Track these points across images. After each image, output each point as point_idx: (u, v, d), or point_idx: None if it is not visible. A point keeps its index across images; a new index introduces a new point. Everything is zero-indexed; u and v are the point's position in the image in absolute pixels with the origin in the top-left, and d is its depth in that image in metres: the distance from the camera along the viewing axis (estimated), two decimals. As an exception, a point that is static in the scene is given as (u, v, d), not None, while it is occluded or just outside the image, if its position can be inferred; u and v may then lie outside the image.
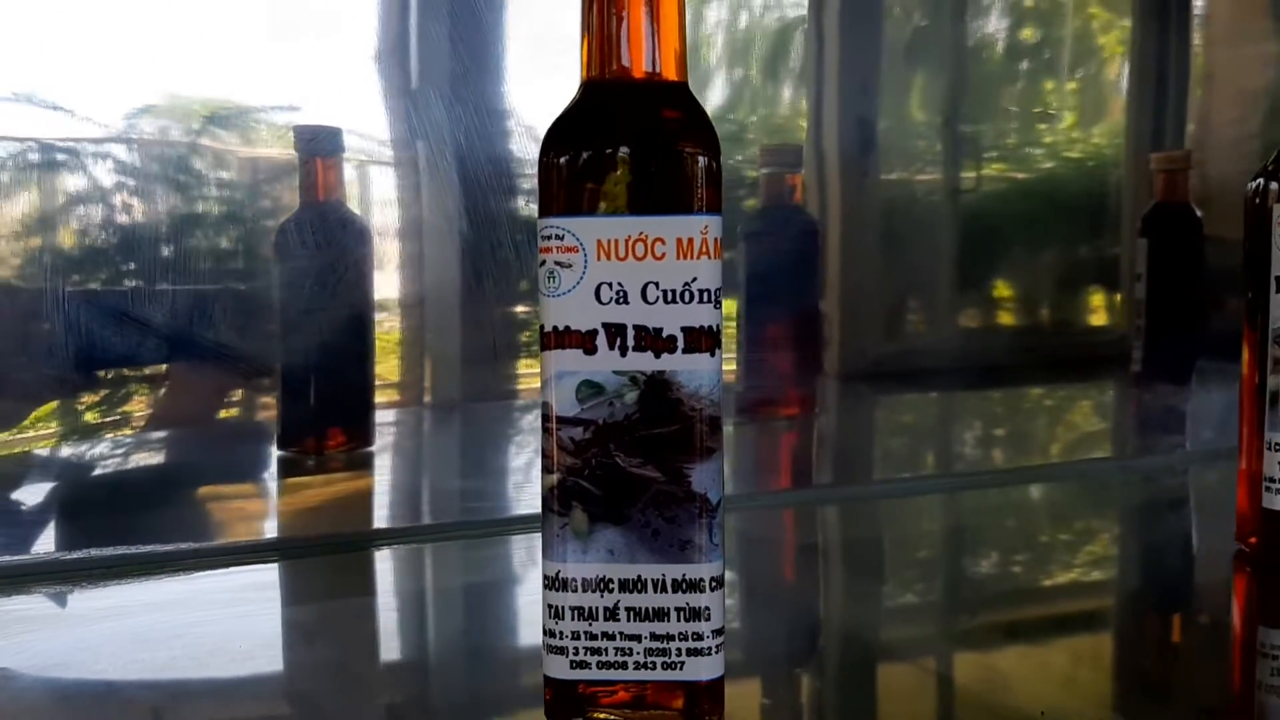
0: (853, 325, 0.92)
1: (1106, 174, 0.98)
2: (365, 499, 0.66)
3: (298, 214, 0.67)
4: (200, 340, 0.64)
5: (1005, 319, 0.96)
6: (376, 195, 0.70)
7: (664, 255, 0.34)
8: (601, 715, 0.35)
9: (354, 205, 0.69)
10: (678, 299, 0.34)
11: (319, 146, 0.68)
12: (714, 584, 0.34)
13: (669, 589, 0.34)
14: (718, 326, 0.34)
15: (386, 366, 0.71)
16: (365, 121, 0.69)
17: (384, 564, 0.57)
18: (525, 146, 0.71)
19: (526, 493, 0.66)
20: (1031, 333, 0.95)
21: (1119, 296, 0.96)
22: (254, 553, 0.57)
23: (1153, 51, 0.98)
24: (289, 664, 0.45)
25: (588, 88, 0.35)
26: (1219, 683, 0.44)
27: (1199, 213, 0.87)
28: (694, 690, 0.35)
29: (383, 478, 0.69)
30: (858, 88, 0.91)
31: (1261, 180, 0.51)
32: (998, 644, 0.48)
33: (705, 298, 0.34)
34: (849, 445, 0.85)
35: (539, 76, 0.72)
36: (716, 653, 0.35)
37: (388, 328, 0.70)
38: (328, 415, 0.69)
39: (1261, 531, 0.51)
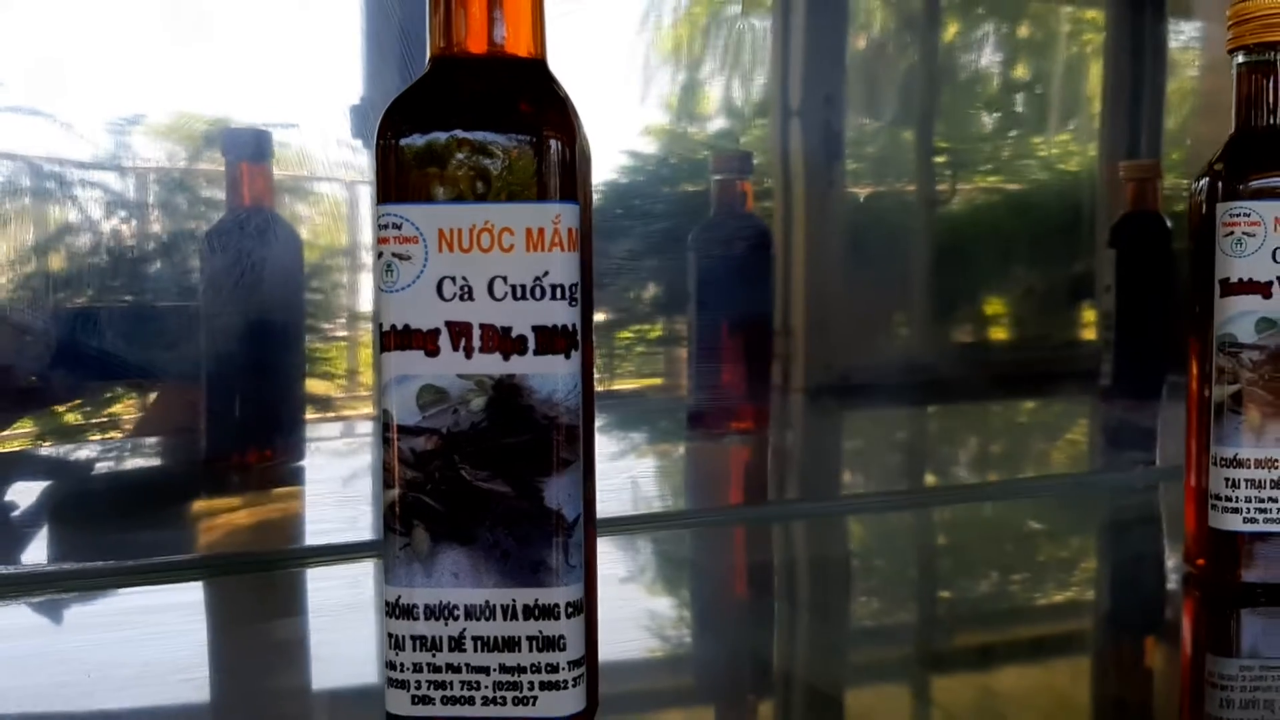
0: (818, 338, 0.89)
1: (1080, 184, 0.95)
2: (293, 516, 0.63)
3: (222, 221, 0.65)
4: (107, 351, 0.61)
5: (977, 333, 0.93)
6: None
7: (512, 247, 0.30)
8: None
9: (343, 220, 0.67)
10: (528, 295, 0.31)
11: (244, 151, 0.65)
12: (570, 610, 0.31)
13: (520, 616, 0.31)
14: (574, 326, 0.31)
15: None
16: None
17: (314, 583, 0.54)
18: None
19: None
20: (1003, 347, 0.92)
21: (1094, 310, 0.92)
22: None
23: (1127, 59, 0.95)
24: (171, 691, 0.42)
25: (435, 64, 0.32)
26: (1164, 716, 0.41)
27: (1169, 223, 0.84)
28: (555, 728, 0.31)
29: (314, 490, 0.66)
30: (822, 98, 0.88)
31: (1206, 180, 0.47)
32: (926, 671, 0.45)
33: (559, 294, 0.31)
34: (809, 460, 0.82)
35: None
36: (575, 686, 0.31)
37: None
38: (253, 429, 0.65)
39: (1208, 552, 0.48)
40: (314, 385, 0.69)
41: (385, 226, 0.31)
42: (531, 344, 0.31)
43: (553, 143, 0.31)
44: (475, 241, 0.30)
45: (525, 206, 0.30)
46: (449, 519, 0.31)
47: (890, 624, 0.50)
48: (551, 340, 0.31)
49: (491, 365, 0.31)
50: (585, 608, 0.32)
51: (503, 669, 0.31)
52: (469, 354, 0.31)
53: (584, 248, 0.32)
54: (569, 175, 0.31)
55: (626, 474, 0.74)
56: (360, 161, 0.72)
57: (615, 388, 0.78)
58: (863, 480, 0.82)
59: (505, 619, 0.31)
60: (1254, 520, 0.46)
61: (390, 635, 0.31)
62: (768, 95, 0.83)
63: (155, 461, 0.62)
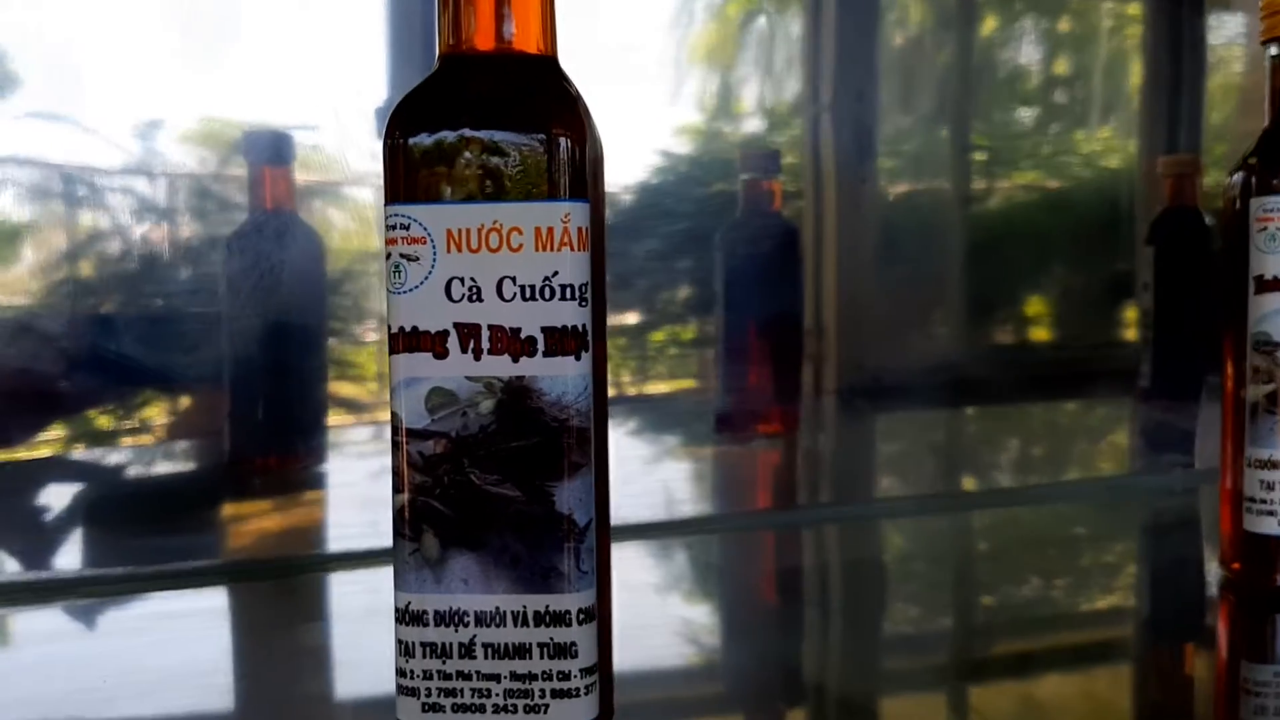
0: (850, 338, 0.88)
1: (1119, 180, 0.94)
2: (315, 521, 0.63)
3: (242, 225, 0.65)
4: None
5: (1011, 332, 0.92)
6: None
7: (521, 247, 0.30)
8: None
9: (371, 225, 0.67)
10: (537, 296, 0.30)
11: (265, 155, 0.65)
12: (582, 616, 0.31)
13: (530, 622, 0.30)
14: (584, 326, 0.30)
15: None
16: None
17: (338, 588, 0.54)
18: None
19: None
20: (1039, 347, 0.91)
21: (1132, 309, 0.91)
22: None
23: (1167, 53, 0.94)
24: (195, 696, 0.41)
25: (444, 62, 0.32)
26: None
27: (1209, 219, 0.82)
28: (568, 736, 0.31)
29: (338, 494, 0.66)
30: (854, 94, 0.87)
31: (1240, 174, 0.46)
32: (958, 677, 0.44)
33: (569, 294, 0.30)
34: (840, 463, 0.81)
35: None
36: (587, 694, 0.31)
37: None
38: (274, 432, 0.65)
39: (1244, 556, 0.46)
40: (344, 388, 0.69)
41: (393, 227, 0.30)
42: (541, 345, 0.30)
43: (562, 141, 0.30)
44: (484, 241, 0.30)
45: (534, 205, 0.30)
46: (458, 524, 0.30)
47: (921, 630, 0.49)
48: (561, 341, 0.30)
49: (500, 367, 0.30)
50: (598, 614, 0.31)
51: (514, 676, 0.31)
52: (478, 356, 0.30)
53: (596, 247, 0.32)
54: (579, 174, 0.30)
55: (658, 478, 0.74)
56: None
57: (648, 391, 0.78)
58: (895, 483, 0.82)
59: (516, 625, 0.30)
60: (1292, 523, 0.45)
61: (400, 642, 0.31)
62: (799, 93, 0.82)
63: (179, 466, 0.62)
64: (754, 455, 0.77)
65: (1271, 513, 0.45)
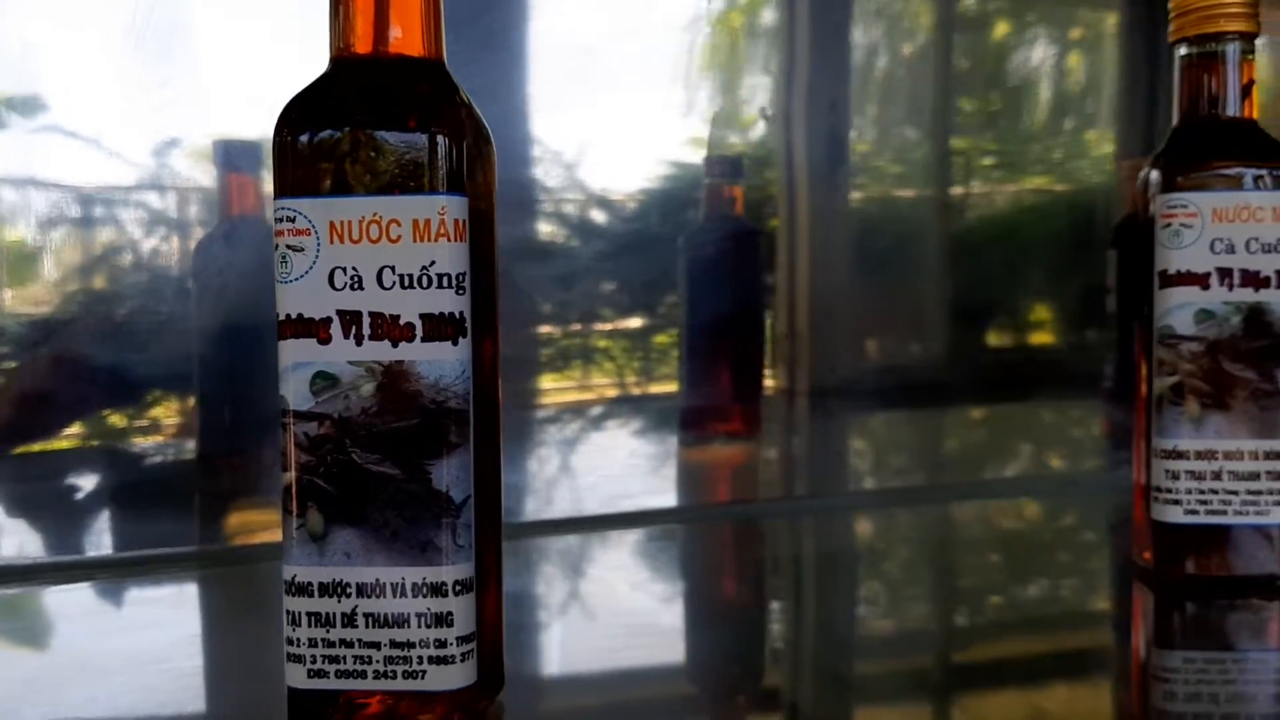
0: (823, 341, 0.90)
1: (1093, 185, 0.95)
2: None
3: (211, 231, 0.67)
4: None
5: (984, 335, 0.93)
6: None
7: (400, 238, 0.32)
8: (354, 730, 0.33)
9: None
10: (415, 284, 0.32)
11: (233, 163, 0.67)
12: (459, 588, 0.32)
13: (409, 593, 0.32)
14: (461, 314, 0.32)
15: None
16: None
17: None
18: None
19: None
20: (1012, 350, 0.92)
21: (1100, 311, 0.92)
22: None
23: (1142, 60, 0.95)
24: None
25: (333, 64, 0.33)
26: (1108, 709, 0.41)
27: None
28: (449, 702, 0.33)
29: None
30: (827, 103, 0.89)
31: (1150, 172, 0.47)
32: (863, 656, 0.45)
33: (446, 282, 0.32)
34: (812, 462, 0.83)
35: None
36: (463, 661, 0.32)
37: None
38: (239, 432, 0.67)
39: (1154, 545, 0.48)
40: None
41: (280, 220, 0.32)
42: (419, 331, 0.32)
43: (440, 139, 0.32)
44: (365, 233, 0.32)
45: (411, 199, 0.32)
46: (341, 501, 0.32)
47: (845, 619, 0.50)
48: (439, 327, 0.32)
49: (381, 352, 0.32)
50: (477, 586, 0.33)
51: (393, 644, 0.32)
52: (359, 341, 0.32)
53: (482, 240, 0.34)
54: (456, 169, 0.32)
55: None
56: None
57: (652, 391, 0.80)
58: (861, 479, 0.83)
59: (395, 596, 0.32)
60: (1195, 512, 0.46)
61: (288, 612, 0.33)
62: (774, 102, 0.84)
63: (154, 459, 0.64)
64: (716, 452, 0.79)
65: (1177, 501, 0.46)
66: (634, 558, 0.61)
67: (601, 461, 0.76)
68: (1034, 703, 0.41)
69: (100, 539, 0.59)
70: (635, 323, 0.80)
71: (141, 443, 0.62)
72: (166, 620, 0.51)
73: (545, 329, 0.82)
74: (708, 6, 0.80)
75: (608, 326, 0.84)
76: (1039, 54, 0.93)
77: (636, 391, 0.79)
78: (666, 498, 0.76)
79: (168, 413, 0.63)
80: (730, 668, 0.44)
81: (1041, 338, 0.93)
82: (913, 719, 0.40)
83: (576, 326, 0.78)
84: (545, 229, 0.76)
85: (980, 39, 0.93)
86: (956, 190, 0.96)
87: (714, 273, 0.78)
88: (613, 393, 0.81)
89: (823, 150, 0.90)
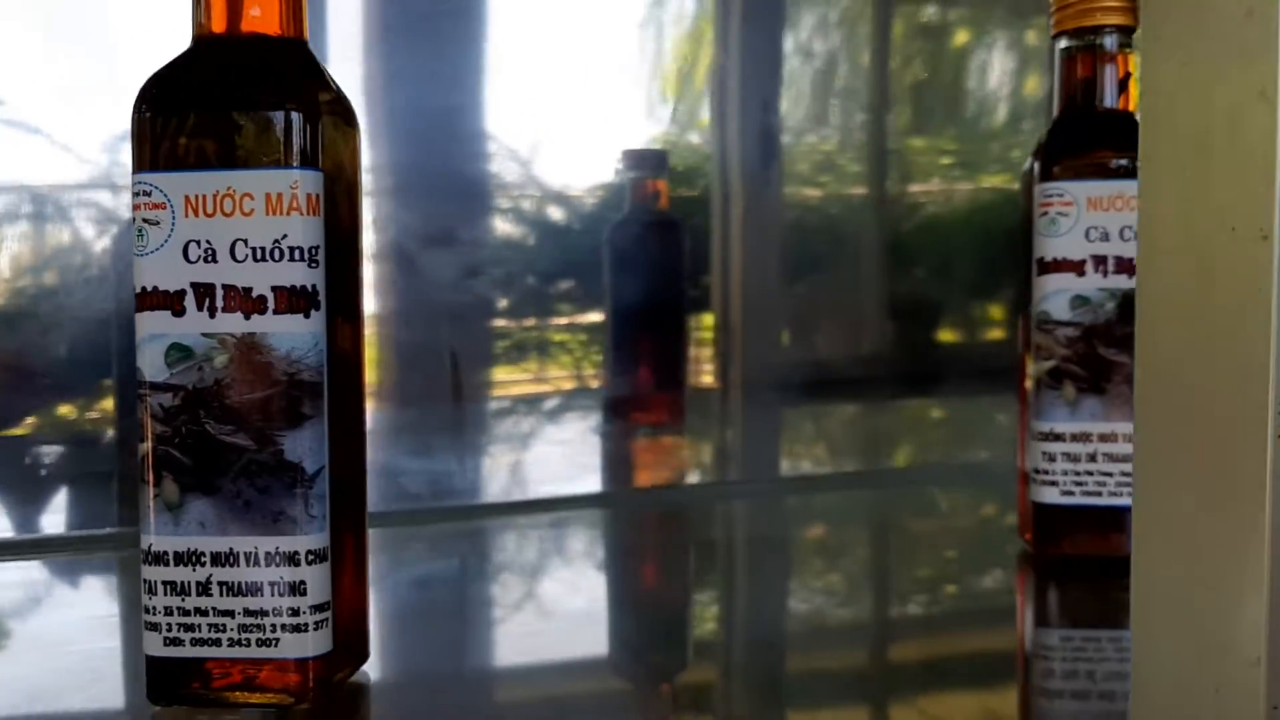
0: (756, 335, 0.91)
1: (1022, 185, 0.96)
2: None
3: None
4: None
5: (915, 331, 0.94)
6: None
7: (253, 211, 0.32)
8: (212, 698, 0.33)
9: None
10: (268, 257, 0.32)
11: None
12: (312, 557, 0.33)
13: (262, 562, 0.33)
14: (314, 287, 0.33)
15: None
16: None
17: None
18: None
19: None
20: (942, 345, 0.93)
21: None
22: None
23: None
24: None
25: (193, 43, 0.34)
26: (986, 688, 0.42)
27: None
28: (307, 671, 0.33)
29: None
30: (760, 104, 0.90)
31: (1031, 162, 0.49)
32: (751, 638, 0.46)
33: (298, 255, 0.32)
34: (741, 451, 0.84)
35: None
36: (317, 629, 0.33)
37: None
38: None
39: (1033, 526, 0.49)
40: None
41: (137, 194, 0.33)
42: (271, 303, 0.32)
43: (293, 115, 0.32)
44: (218, 206, 0.32)
45: (264, 173, 0.32)
46: (195, 471, 0.33)
47: (717, 602, 0.51)
48: (291, 300, 0.32)
49: (233, 324, 0.32)
50: (332, 557, 0.33)
51: (247, 612, 0.33)
52: (213, 313, 0.32)
53: (342, 214, 0.34)
54: (310, 145, 0.33)
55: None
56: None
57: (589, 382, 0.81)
58: (785, 469, 0.83)
59: (248, 565, 0.33)
60: (1070, 493, 0.47)
61: (145, 581, 0.33)
62: (707, 100, 0.85)
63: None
64: (641, 442, 0.80)
65: (1054, 483, 0.47)
66: (553, 543, 0.62)
67: (536, 450, 0.77)
68: (913, 680, 0.42)
69: (20, 520, 0.60)
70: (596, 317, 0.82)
71: (63, 426, 0.63)
72: (80, 601, 0.51)
73: (500, 323, 0.84)
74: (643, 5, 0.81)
75: (563, 320, 0.86)
76: (972, 53, 0.94)
77: (570, 385, 0.80)
78: (591, 484, 0.77)
79: (89, 397, 0.63)
80: (639, 641, 0.45)
81: (970, 333, 0.94)
82: (788, 699, 0.40)
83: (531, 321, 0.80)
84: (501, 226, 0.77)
85: (918, 38, 0.94)
86: (892, 188, 0.97)
87: (637, 265, 0.79)
88: (570, 385, 0.83)
89: (756, 148, 0.91)
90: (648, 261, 0.79)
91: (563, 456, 0.78)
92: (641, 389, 0.78)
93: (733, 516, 0.69)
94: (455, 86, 0.77)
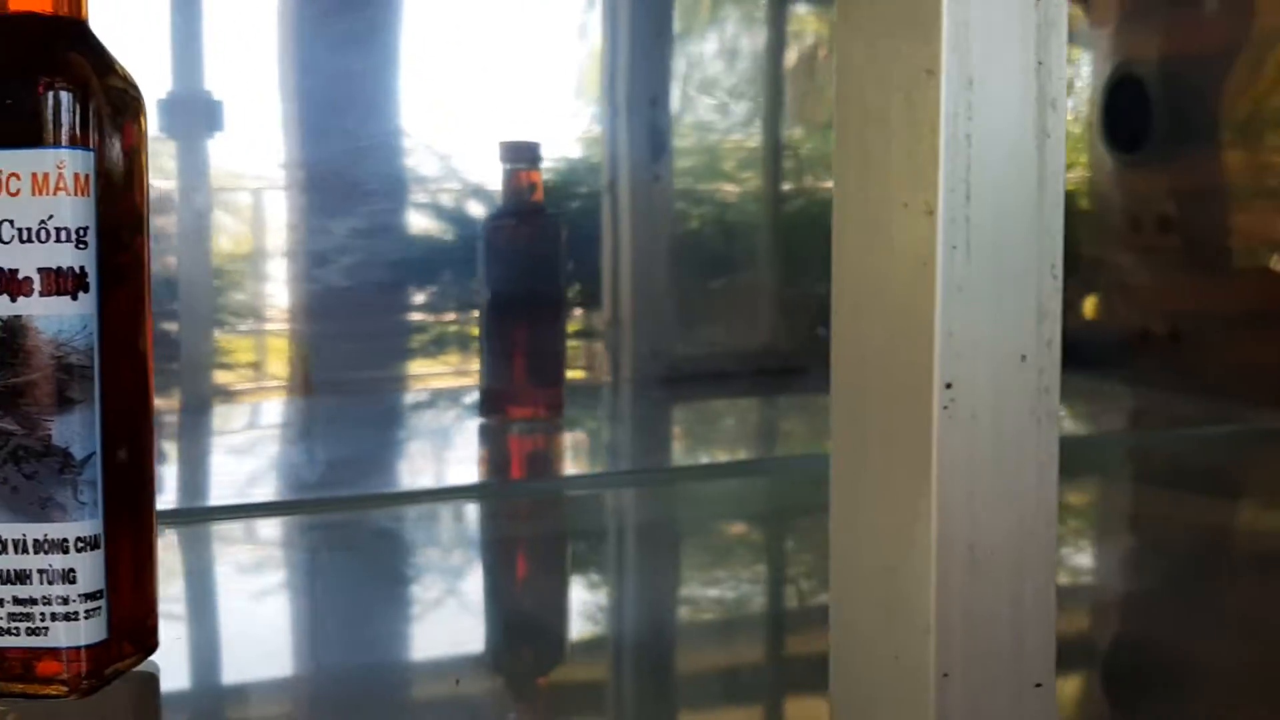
0: (645, 328, 0.91)
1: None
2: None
3: None
4: None
5: (803, 324, 0.95)
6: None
7: (19, 191, 0.32)
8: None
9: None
10: (34, 238, 0.32)
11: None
12: (81, 545, 0.32)
13: (30, 549, 0.32)
14: (82, 268, 0.32)
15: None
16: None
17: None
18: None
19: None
20: (816, 338, 0.94)
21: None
22: None
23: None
24: None
25: (-36, 21, 0.33)
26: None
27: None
28: (83, 659, 0.33)
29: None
30: (648, 100, 0.90)
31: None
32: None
33: (65, 236, 0.32)
34: (630, 441, 0.84)
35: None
36: (88, 617, 0.32)
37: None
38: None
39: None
40: (222, 376, 0.77)
41: (-98, 175, 0.32)
42: (38, 285, 0.32)
43: (63, 94, 0.32)
44: (-15, 187, 0.32)
45: (29, 152, 0.32)
46: (-39, 456, 0.32)
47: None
48: (58, 282, 0.32)
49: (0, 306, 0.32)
50: (107, 545, 0.33)
51: (16, 600, 0.32)
52: (-22, 296, 0.32)
53: (118, 196, 0.34)
54: (80, 124, 0.32)
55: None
56: (268, 171, 0.77)
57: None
58: (673, 459, 0.83)
59: (16, 552, 0.32)
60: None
61: (-89, 570, 0.32)
62: (596, 92, 0.86)
63: None
64: (516, 436, 0.79)
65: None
66: (419, 535, 0.61)
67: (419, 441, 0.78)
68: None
69: None
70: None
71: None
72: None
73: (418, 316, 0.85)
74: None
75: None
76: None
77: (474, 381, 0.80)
78: (469, 474, 0.76)
79: None
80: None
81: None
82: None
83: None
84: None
85: (808, 33, 0.95)
86: (783, 183, 0.98)
87: (511, 257, 0.78)
88: (467, 380, 0.83)
89: (644, 144, 0.91)
90: (522, 254, 0.78)
91: (437, 449, 0.78)
92: (517, 382, 0.78)
93: (621, 505, 0.69)
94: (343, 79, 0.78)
